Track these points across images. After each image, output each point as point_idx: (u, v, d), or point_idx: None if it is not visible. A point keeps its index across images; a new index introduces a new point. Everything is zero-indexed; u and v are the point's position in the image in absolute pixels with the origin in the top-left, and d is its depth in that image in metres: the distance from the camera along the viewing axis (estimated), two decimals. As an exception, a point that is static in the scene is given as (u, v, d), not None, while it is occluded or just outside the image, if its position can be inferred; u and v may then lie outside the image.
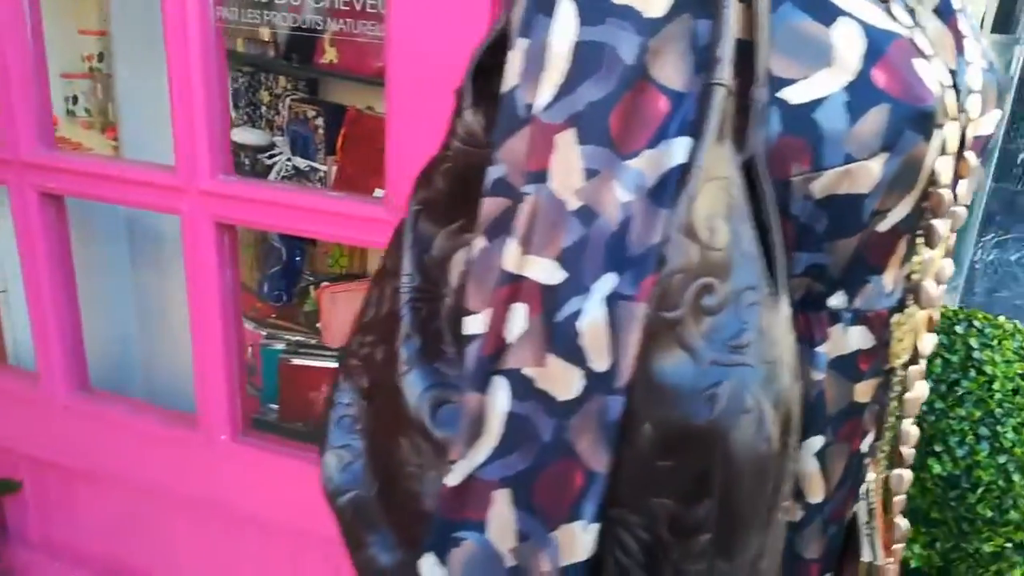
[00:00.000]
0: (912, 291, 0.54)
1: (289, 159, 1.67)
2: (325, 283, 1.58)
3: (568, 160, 0.42)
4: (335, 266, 1.72)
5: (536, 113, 0.43)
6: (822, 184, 0.46)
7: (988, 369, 0.98)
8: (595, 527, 0.42)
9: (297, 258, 1.72)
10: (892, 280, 0.53)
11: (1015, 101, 2.51)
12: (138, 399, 1.59)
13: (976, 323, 1.05)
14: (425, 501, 0.54)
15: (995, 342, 1.01)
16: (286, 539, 1.42)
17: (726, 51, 0.40)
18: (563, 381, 0.43)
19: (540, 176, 0.43)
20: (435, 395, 0.54)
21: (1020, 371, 0.99)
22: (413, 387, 0.54)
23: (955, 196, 0.54)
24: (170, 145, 1.19)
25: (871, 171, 0.45)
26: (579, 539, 0.42)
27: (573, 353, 0.42)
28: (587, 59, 0.42)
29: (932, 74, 0.47)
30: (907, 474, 0.57)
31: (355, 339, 0.61)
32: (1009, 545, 0.97)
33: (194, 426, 1.37)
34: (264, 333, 1.76)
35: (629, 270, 0.41)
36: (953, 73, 0.51)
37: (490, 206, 0.47)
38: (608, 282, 0.41)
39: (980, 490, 0.95)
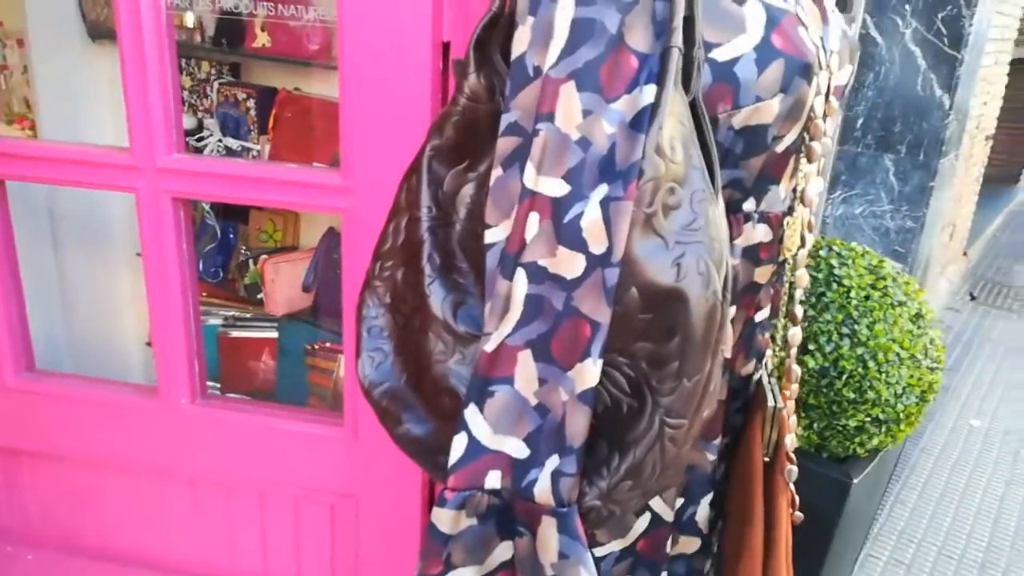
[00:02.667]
0: (799, 196, 0.75)
1: (220, 140, 1.74)
2: (265, 256, 1.67)
3: (570, 104, 0.59)
4: (269, 241, 1.81)
5: (545, 70, 0.60)
6: (739, 118, 0.65)
7: (846, 281, 1.23)
8: (601, 361, 0.60)
9: (231, 235, 1.79)
10: (784, 190, 0.73)
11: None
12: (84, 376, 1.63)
13: (835, 248, 1.30)
14: (450, 380, 0.69)
15: (850, 261, 1.27)
16: (250, 498, 1.51)
17: (678, 24, 0.58)
18: (570, 265, 0.60)
19: (549, 117, 0.59)
20: (454, 299, 0.70)
21: (870, 282, 1.25)
22: (437, 294, 0.70)
23: (825, 131, 0.75)
24: (86, 133, 1.24)
25: (772, 108, 0.65)
26: (590, 371, 0.60)
27: (577, 243, 0.59)
28: (583, 30, 0.59)
29: (808, 38, 0.67)
30: (798, 332, 0.78)
31: (375, 265, 0.76)
32: (868, 419, 1.22)
33: (154, 394, 1.44)
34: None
35: (617, 180, 0.58)
36: (821, 38, 0.72)
37: (504, 144, 0.63)
38: (602, 190, 0.59)
39: (844, 377, 1.20)
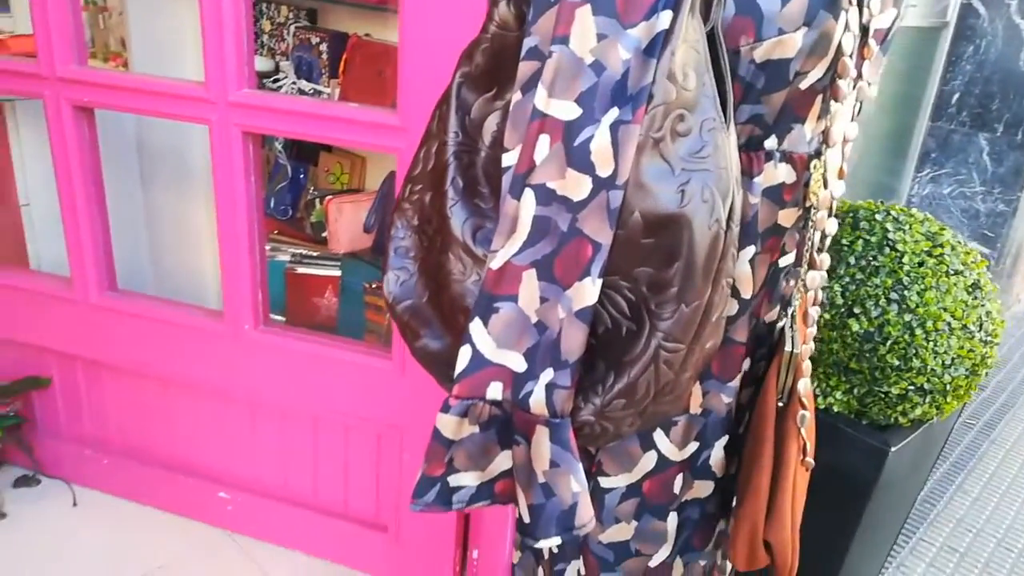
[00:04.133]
0: (824, 137, 0.74)
1: (294, 82, 1.81)
2: (330, 196, 1.74)
3: (585, 27, 0.60)
4: (336, 183, 1.88)
5: None
6: (761, 51, 0.65)
7: (900, 247, 1.20)
8: (600, 281, 0.62)
9: (301, 175, 1.87)
10: (811, 130, 0.73)
11: (950, 44, 2.73)
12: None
13: (892, 212, 1.26)
14: (466, 299, 0.72)
15: (907, 226, 1.23)
16: (304, 423, 1.60)
17: None
18: (577, 186, 0.61)
19: (563, 39, 0.61)
20: (474, 222, 0.73)
21: (926, 248, 1.21)
22: (458, 216, 0.73)
23: (860, 74, 0.74)
24: (172, 72, 1.32)
25: (796, 41, 0.65)
26: (588, 290, 0.62)
27: (585, 166, 0.61)
28: None
29: None
30: (817, 275, 0.78)
31: (406, 188, 0.79)
32: (912, 388, 1.19)
33: (220, 318, 1.54)
34: (268, 247, 1.92)
35: (628, 104, 0.60)
36: None
37: (524, 68, 0.65)
38: (613, 113, 0.60)
39: (889, 343, 1.17)
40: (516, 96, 0.66)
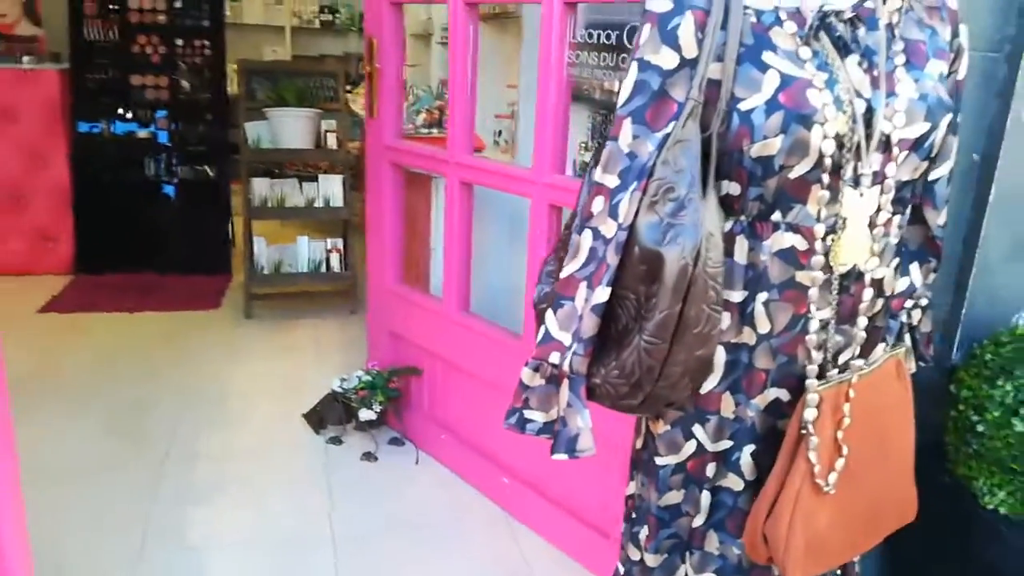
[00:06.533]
0: (843, 221, 0.95)
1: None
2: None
3: (626, 131, 0.96)
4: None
5: (617, 111, 0.98)
6: (754, 150, 0.93)
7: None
8: (609, 288, 0.95)
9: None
10: (815, 210, 0.95)
11: None
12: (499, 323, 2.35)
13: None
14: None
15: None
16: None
17: (698, 86, 0.91)
18: (610, 229, 0.97)
19: (614, 138, 0.98)
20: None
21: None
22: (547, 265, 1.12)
23: (884, 174, 0.94)
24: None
25: (776, 143, 0.91)
26: (603, 293, 0.95)
27: (615, 216, 0.96)
28: (639, 88, 0.95)
29: (819, 97, 0.90)
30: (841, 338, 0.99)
31: (563, 233, 1.20)
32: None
33: (520, 339, 2.07)
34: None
35: (641, 179, 0.94)
36: (868, 99, 0.92)
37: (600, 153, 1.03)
38: (634, 184, 0.95)
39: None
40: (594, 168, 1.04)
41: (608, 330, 0.98)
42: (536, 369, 1.04)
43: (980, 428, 1.24)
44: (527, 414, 1.06)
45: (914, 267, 1.13)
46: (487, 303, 2.52)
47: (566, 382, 1.00)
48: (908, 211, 1.06)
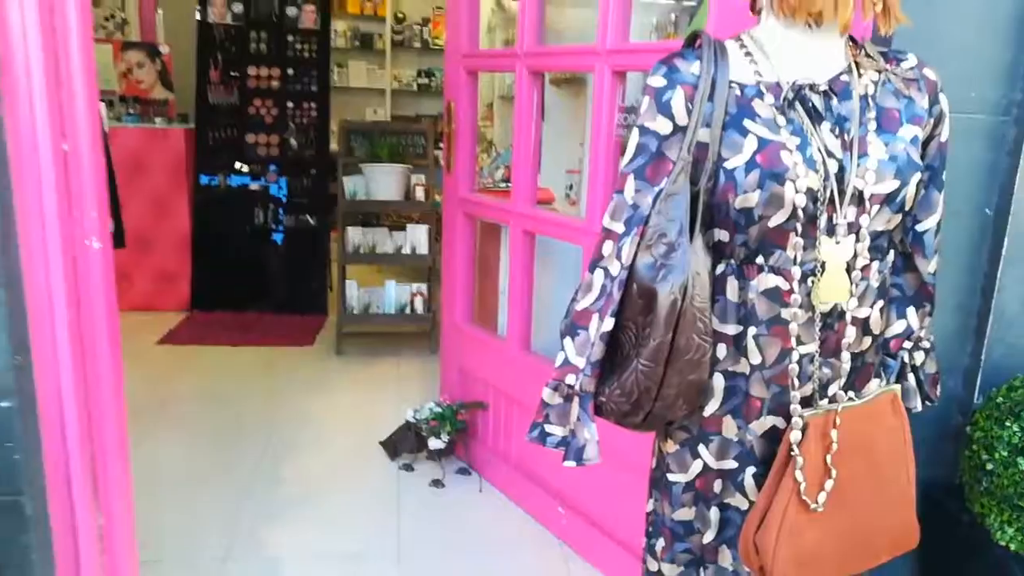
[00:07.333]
0: (821, 265, 1.08)
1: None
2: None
3: (630, 186, 1.13)
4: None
5: (622, 168, 1.15)
6: (738, 202, 1.08)
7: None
8: (612, 320, 1.11)
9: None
10: (793, 255, 1.08)
11: None
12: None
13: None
14: None
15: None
16: (613, 472, 2.15)
17: (687, 148, 1.07)
18: (616, 268, 1.13)
19: (620, 191, 1.15)
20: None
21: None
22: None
23: (859, 224, 1.07)
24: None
25: (754, 197, 1.06)
26: (608, 322, 1.11)
27: (620, 258, 1.13)
28: (640, 150, 1.13)
29: (791, 157, 1.05)
30: (828, 371, 1.10)
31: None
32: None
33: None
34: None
35: (639, 225, 1.10)
36: (839, 159, 1.06)
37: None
38: (635, 230, 1.11)
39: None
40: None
41: (615, 356, 1.14)
42: (555, 389, 1.20)
43: (990, 466, 1.30)
44: (547, 428, 1.22)
45: (911, 311, 1.24)
46: (551, 343, 2.69)
47: (576, 399, 1.16)
48: (889, 257, 1.17)
